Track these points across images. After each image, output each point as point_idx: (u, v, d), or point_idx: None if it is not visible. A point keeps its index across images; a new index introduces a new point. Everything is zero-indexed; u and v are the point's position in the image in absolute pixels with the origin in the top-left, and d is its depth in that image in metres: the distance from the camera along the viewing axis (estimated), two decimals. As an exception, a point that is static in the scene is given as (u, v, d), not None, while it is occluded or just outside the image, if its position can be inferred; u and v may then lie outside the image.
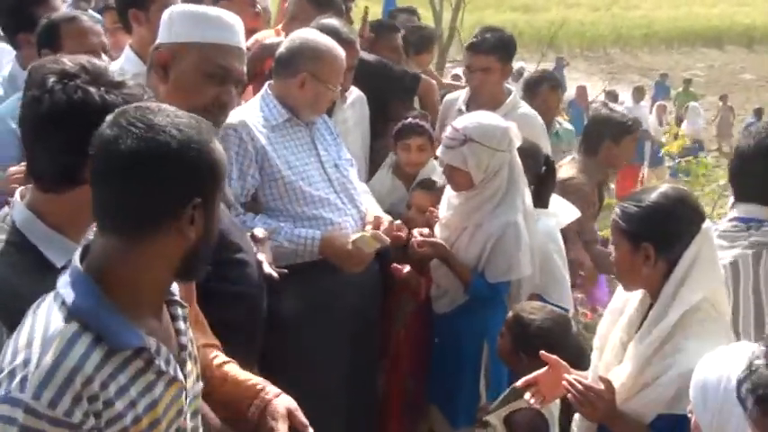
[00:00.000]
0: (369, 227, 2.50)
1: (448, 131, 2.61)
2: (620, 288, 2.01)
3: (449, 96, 3.67)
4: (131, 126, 1.14)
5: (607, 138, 3.35)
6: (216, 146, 1.21)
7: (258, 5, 3.48)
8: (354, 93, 3.11)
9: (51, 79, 1.31)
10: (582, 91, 12.92)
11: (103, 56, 2.45)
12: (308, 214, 2.42)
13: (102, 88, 1.31)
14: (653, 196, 1.86)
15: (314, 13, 3.14)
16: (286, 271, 2.09)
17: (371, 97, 3.19)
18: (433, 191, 2.91)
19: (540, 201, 2.79)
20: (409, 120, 3.08)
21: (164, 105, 1.22)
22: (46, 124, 1.31)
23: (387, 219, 2.61)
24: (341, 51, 2.51)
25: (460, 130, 2.56)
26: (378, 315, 2.71)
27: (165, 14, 1.93)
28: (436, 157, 2.88)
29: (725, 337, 1.74)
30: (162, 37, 1.90)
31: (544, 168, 2.83)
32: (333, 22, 2.87)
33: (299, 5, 3.34)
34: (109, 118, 1.17)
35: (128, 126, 1.14)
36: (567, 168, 3.41)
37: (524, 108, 3.42)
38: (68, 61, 1.36)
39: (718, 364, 1.39)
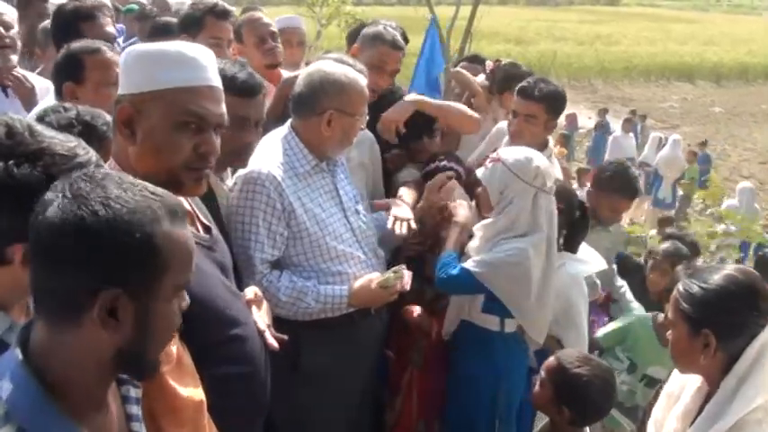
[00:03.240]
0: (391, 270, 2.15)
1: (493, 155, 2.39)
2: (676, 370, 1.72)
3: (502, 124, 3.02)
4: (63, 196, 0.93)
5: None
6: (164, 231, 0.94)
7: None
8: (360, 133, 2.49)
9: None
10: (572, 118, 12.72)
11: None
12: (333, 270, 2.09)
13: (12, 162, 1.05)
14: (720, 279, 1.55)
15: None
16: (285, 337, 1.72)
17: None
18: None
19: (570, 246, 2.49)
20: (444, 161, 2.62)
21: (114, 174, 0.97)
22: None
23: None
24: (361, 78, 2.16)
25: (499, 153, 2.37)
26: (384, 347, 2.39)
27: (122, 59, 1.43)
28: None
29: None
30: (121, 87, 1.40)
31: (578, 213, 2.49)
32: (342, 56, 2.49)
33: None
34: (56, 182, 0.97)
35: (58, 194, 0.94)
36: None
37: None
38: None
39: None
